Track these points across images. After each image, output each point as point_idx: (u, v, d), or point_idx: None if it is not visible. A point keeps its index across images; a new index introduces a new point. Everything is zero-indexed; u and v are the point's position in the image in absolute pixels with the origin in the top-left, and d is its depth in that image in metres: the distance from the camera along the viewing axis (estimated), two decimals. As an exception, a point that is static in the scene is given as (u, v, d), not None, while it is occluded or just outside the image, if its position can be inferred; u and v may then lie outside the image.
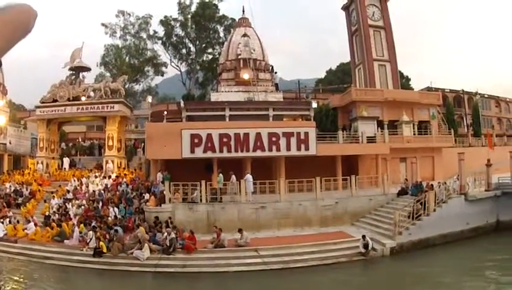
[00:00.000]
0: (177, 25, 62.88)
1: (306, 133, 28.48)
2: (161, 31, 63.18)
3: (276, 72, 38.80)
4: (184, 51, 64.40)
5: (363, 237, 20.61)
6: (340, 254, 20.30)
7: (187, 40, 63.78)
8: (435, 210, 23.85)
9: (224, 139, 27.13)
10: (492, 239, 25.70)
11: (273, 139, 27.87)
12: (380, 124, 36.22)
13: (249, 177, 24.84)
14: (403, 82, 59.30)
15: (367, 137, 32.69)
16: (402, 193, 27.51)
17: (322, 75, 79.19)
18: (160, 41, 63.81)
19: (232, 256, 19.19)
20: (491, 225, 26.90)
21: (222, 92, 39.03)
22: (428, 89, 59.33)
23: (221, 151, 27.27)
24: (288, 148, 28.13)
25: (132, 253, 18.56)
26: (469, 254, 22.85)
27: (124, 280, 17.67)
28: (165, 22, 62.38)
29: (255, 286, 17.34)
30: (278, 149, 28.00)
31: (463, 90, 66.19)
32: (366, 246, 20.26)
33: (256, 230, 22.99)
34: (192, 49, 64.19)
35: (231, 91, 38.28)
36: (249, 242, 20.02)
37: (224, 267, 18.26)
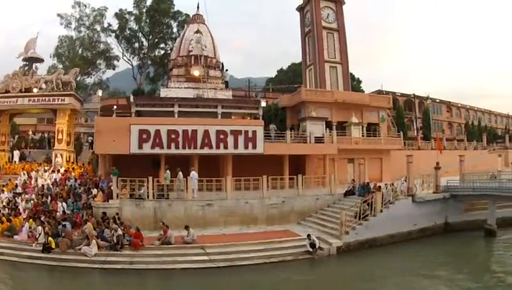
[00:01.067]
0: (132, 18, 63.42)
1: (254, 132, 29.20)
2: (115, 24, 63.62)
3: (226, 70, 39.58)
4: (137, 45, 65.01)
5: (308, 236, 21.40)
6: (287, 252, 20.97)
7: (140, 34, 64.45)
8: (382, 211, 24.84)
9: (173, 136, 27.56)
10: (441, 240, 26.94)
11: (221, 136, 28.48)
12: (329, 125, 37.29)
13: (193, 174, 25.49)
14: (354, 84, 61.12)
15: (315, 137, 33.71)
16: (349, 193, 28.67)
17: (273, 74, 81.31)
18: (113, 34, 64.23)
19: (179, 253, 19.65)
20: (439, 226, 28.21)
21: (172, 88, 39.38)
22: (379, 92, 61.34)
23: (169, 147, 27.63)
24: (236, 146, 28.79)
25: (80, 249, 18.95)
26: (417, 254, 23.77)
27: (72, 276, 17.82)
28: (120, 15, 62.85)
29: (201, 283, 17.66)
30: (226, 147, 28.63)
31: (414, 95, 69.42)
32: (313, 245, 21.05)
33: (202, 227, 23.44)
34: (145, 43, 64.89)
35: (181, 87, 38.69)
36: (196, 239, 20.52)
37: (171, 265, 18.70)
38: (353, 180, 31.71)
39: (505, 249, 24.83)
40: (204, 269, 18.75)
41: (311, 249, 20.98)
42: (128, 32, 63.82)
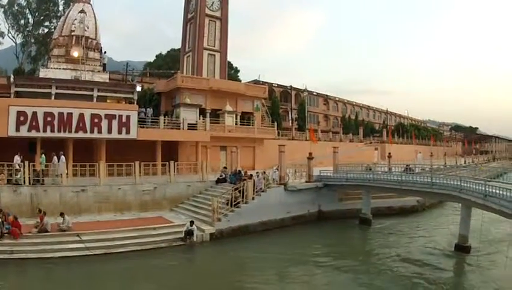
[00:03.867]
0: (21, -8, 62.13)
1: (128, 117, 31.20)
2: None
3: (105, 52, 41.06)
4: (23, 22, 63.76)
5: (191, 222, 23.13)
6: (160, 239, 22.35)
7: (27, 11, 63.33)
8: (253, 198, 27.01)
9: (48, 118, 28.56)
10: (315, 228, 29.50)
11: (96, 120, 30.00)
12: (203, 112, 40.72)
13: (62, 158, 26.57)
14: (232, 73, 65.74)
15: (188, 124, 36.50)
16: (221, 180, 31.06)
17: (153, 59, 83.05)
18: (2, 10, 62.56)
19: (56, 241, 20.26)
20: (312, 214, 31.18)
21: (51, 68, 39.82)
22: (256, 82, 66.12)
23: (45, 130, 28.54)
24: (110, 131, 30.56)
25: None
26: (290, 240, 25.86)
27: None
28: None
29: (78, 272, 18.20)
30: (100, 131, 30.23)
31: (291, 86, 75.97)
32: (190, 232, 22.68)
33: (77, 214, 24.75)
34: (31, 20, 63.86)
35: (60, 68, 39.27)
36: (71, 227, 21.31)
37: (50, 253, 19.27)
38: (225, 167, 34.32)
39: (379, 236, 27.72)
40: (81, 257, 19.43)
41: (185, 237, 22.60)
42: (16, 8, 62.60)
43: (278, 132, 52.44)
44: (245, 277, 19.26)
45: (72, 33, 39.34)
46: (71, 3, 44.49)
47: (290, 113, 74.32)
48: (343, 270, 20.05)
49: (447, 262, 21.85)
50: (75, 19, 39.96)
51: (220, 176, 31.81)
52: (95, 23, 41.63)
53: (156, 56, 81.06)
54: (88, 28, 40.02)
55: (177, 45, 52.30)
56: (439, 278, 18.88)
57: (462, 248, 23.06)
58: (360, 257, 23.01)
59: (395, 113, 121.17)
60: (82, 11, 40.56)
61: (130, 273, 18.53)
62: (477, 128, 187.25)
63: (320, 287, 18.04)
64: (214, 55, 46.55)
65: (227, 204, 26.04)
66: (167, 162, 30.58)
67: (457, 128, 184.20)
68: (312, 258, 22.19)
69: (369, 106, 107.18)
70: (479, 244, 23.56)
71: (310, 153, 32.41)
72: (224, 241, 24.07)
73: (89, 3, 42.12)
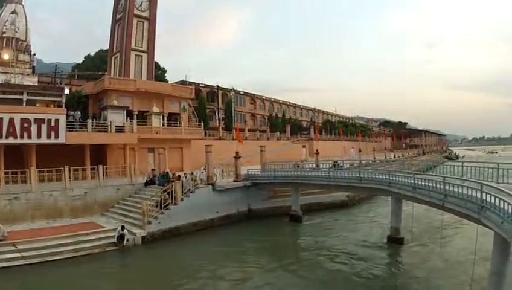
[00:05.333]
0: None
1: (56, 120, 31.60)
2: None
3: (34, 54, 40.81)
4: None
5: (122, 227, 23.80)
6: (94, 245, 22.90)
7: None
8: (182, 199, 28.07)
9: None
10: (244, 227, 30.73)
11: (25, 125, 30.31)
12: (130, 114, 41.50)
13: None
14: (159, 74, 66.86)
15: (116, 126, 37.30)
16: (150, 183, 32.00)
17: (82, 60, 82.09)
18: None
19: None
20: (242, 213, 32.67)
21: None
22: (183, 82, 68.18)
23: None
24: (39, 136, 30.89)
25: None
26: (221, 240, 26.96)
27: None
28: None
29: (13, 283, 18.23)
30: (30, 136, 30.55)
31: (218, 86, 78.14)
32: (122, 236, 23.36)
33: (12, 222, 24.88)
34: None
35: None
36: (7, 236, 21.62)
37: None
38: (153, 169, 34.75)
39: (311, 232, 29.02)
40: (18, 267, 19.67)
41: (117, 241, 23.27)
42: None
43: (205, 132, 54.20)
44: (179, 279, 19.56)
45: (3, 35, 38.73)
46: (3, 4, 44.28)
47: (217, 113, 76.30)
48: (276, 268, 21.14)
49: (381, 255, 23.18)
50: (7, 20, 39.15)
51: (148, 178, 32.70)
52: (26, 24, 41.18)
53: (85, 57, 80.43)
54: (19, 29, 39.37)
55: (106, 46, 52.67)
56: (374, 271, 20.13)
57: (395, 240, 24.83)
58: (292, 254, 24.26)
59: (323, 111, 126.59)
60: (14, 12, 40.15)
61: (66, 282, 18.78)
62: (407, 123, 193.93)
63: (255, 285, 18.62)
64: (141, 56, 47.23)
65: (156, 206, 26.93)
66: (96, 166, 31.31)
67: (386, 123, 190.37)
68: (245, 257, 23.20)
69: (296, 104, 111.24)
70: (411, 235, 25.30)
71: (237, 153, 33.92)
72: (156, 244, 24.88)
73: (21, 3, 41.48)
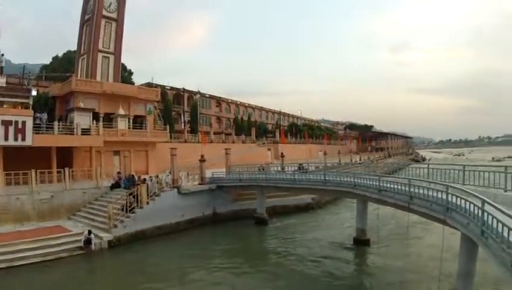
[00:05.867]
0: None
1: (23, 123, 31.69)
2: None
3: (3, 55, 39.92)
4: None
5: (89, 231, 23.96)
6: (61, 249, 22.98)
7: None
8: (148, 203, 28.35)
9: None
10: (210, 230, 31.18)
11: None
12: (96, 117, 41.73)
13: None
14: (126, 75, 67.25)
15: (82, 129, 37.39)
16: (115, 186, 32.10)
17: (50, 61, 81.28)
18: None
19: None
20: (208, 216, 33.03)
21: None
22: (149, 84, 68.01)
23: None
24: (6, 138, 30.97)
25: None
26: (187, 244, 27.07)
27: None
28: None
29: None
30: None
31: (184, 89, 78.68)
32: (89, 240, 23.55)
33: None
34: None
35: None
36: None
37: None
38: (119, 172, 35.18)
39: (276, 235, 29.60)
40: None
41: (84, 245, 23.41)
42: None
43: (171, 135, 54.63)
44: (145, 283, 19.59)
45: (-25, 36, 37.87)
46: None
47: (182, 115, 76.95)
48: (242, 271, 21.47)
49: (347, 256, 23.75)
50: (-24, 21, 38.80)
51: (114, 181, 32.90)
52: (-5, 25, 40.19)
53: (53, 58, 79.74)
54: (-14, 29, 38.93)
55: (75, 47, 52.61)
56: (340, 273, 20.58)
57: (361, 242, 25.52)
58: (258, 256, 24.66)
59: (289, 114, 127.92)
60: (-17, 12, 39.27)
61: (33, 288, 18.81)
62: (372, 126, 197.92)
63: (222, 289, 18.96)
64: (109, 57, 47.49)
65: (122, 210, 27.13)
66: (62, 169, 31.34)
67: (351, 126, 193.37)
68: (211, 260, 23.31)
69: (262, 107, 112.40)
70: (377, 237, 25.98)
71: (202, 156, 34.22)
72: (122, 248, 25.08)
73: (-7, 5, 40.75)
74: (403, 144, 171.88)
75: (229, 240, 28.51)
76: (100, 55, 46.70)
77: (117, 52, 48.43)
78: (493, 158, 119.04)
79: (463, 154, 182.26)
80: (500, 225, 10.21)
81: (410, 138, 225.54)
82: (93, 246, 23.82)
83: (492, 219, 10.84)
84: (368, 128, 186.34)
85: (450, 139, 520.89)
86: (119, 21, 48.50)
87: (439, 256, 18.10)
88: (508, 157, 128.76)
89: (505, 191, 15.68)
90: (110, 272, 21.85)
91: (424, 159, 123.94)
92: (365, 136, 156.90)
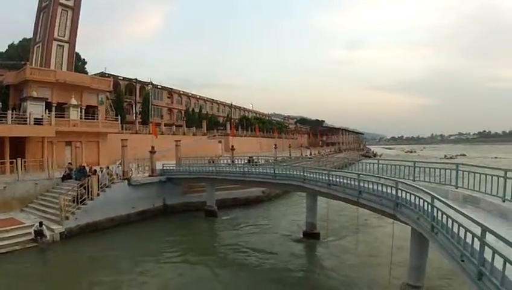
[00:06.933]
0: None
1: None
2: None
3: None
4: None
5: (40, 223, 24.03)
6: (14, 241, 22.97)
7: None
8: (98, 194, 28.61)
9: None
10: (160, 222, 31.50)
11: None
12: (49, 106, 42.15)
13: None
14: (79, 65, 67.20)
15: (35, 119, 37.70)
16: (67, 177, 32.25)
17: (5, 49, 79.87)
18: None
19: None
20: (158, 208, 33.55)
21: None
22: (102, 74, 68.20)
23: None
24: None
25: None
26: (138, 236, 27.32)
27: None
28: None
29: None
30: None
31: (136, 79, 78.87)
32: (40, 232, 23.59)
33: None
34: None
35: None
36: None
37: None
38: (70, 163, 35.25)
39: (226, 227, 30.14)
40: None
41: (35, 238, 23.46)
42: None
43: (122, 126, 55.29)
44: (97, 276, 19.85)
45: None
46: None
47: (134, 106, 77.11)
48: (193, 263, 21.80)
49: (296, 249, 24.16)
50: None
51: (66, 172, 32.93)
52: (-51, 12, 40.45)
53: (8, 46, 78.60)
54: None
55: (31, 35, 52.38)
56: (290, 265, 21.08)
57: (311, 235, 25.98)
58: (208, 249, 24.95)
59: (240, 107, 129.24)
60: None
61: None
62: (324, 121, 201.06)
63: (173, 281, 19.18)
64: (63, 46, 47.84)
65: (74, 202, 27.23)
66: (15, 160, 31.31)
67: (303, 121, 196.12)
68: (161, 252, 23.67)
69: (213, 100, 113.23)
70: (327, 230, 26.40)
71: (153, 147, 34.64)
72: (74, 240, 25.19)
73: None
74: (354, 139, 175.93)
75: (179, 232, 29.00)
76: (55, 43, 46.95)
77: (72, 41, 48.75)
78: (445, 155, 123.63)
79: (415, 151, 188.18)
80: (450, 220, 10.52)
81: (362, 133, 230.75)
82: (46, 238, 23.95)
83: (442, 214, 11.20)
84: (319, 123, 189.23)
85: (402, 136, 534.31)
86: (75, 9, 48.82)
87: (389, 250, 18.81)
88: (461, 155, 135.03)
89: (456, 188, 16.18)
90: (61, 265, 21.89)
91: (375, 155, 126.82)
92: (316, 130, 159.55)
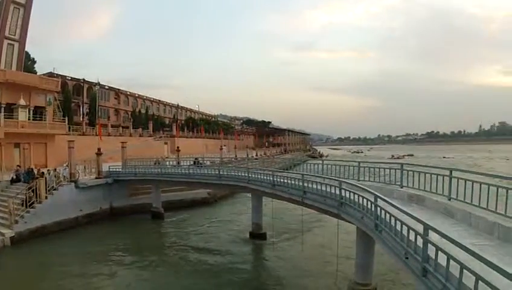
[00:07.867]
0: None
1: None
2: None
3: None
4: None
5: None
6: None
7: None
8: (46, 197, 28.35)
9: None
10: (109, 225, 31.54)
11: None
12: None
13: None
14: (29, 64, 66.01)
15: None
16: (15, 180, 31.90)
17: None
18: None
19: None
20: (105, 211, 33.54)
21: None
22: (51, 74, 67.43)
23: None
24: None
25: None
26: (87, 239, 27.22)
27: None
28: None
29: None
30: None
31: (83, 80, 78.32)
32: None
33: None
34: None
35: None
36: None
37: None
38: (18, 166, 35.16)
39: (173, 229, 30.63)
40: None
41: None
42: None
43: (69, 127, 54.75)
44: (47, 280, 19.92)
45: None
46: None
47: (81, 107, 76.24)
48: (140, 265, 21.95)
49: (243, 250, 24.75)
50: None
51: (14, 175, 32.60)
52: None
53: None
54: None
55: None
56: (236, 266, 21.54)
57: (257, 236, 26.61)
58: (154, 251, 25.11)
59: (186, 108, 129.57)
60: None
61: None
62: (270, 122, 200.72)
63: (122, 284, 19.40)
64: (13, 44, 47.24)
65: (22, 205, 27.02)
66: None
67: (249, 122, 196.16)
68: (109, 255, 23.80)
69: (160, 100, 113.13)
70: (273, 230, 26.84)
71: (99, 149, 34.82)
72: (25, 244, 24.94)
73: None
74: (300, 140, 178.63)
75: (125, 235, 29.38)
76: (5, 42, 46.42)
77: (22, 40, 48.31)
78: (393, 156, 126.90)
79: (362, 152, 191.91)
80: (393, 218, 10.68)
81: (308, 134, 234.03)
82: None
83: (385, 213, 11.38)
84: (265, 124, 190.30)
85: (349, 137, 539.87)
86: (27, 7, 48.29)
87: (335, 249, 19.35)
88: (408, 155, 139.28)
89: (401, 188, 16.53)
90: (11, 270, 21.59)
91: (321, 156, 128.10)
92: (262, 131, 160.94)
